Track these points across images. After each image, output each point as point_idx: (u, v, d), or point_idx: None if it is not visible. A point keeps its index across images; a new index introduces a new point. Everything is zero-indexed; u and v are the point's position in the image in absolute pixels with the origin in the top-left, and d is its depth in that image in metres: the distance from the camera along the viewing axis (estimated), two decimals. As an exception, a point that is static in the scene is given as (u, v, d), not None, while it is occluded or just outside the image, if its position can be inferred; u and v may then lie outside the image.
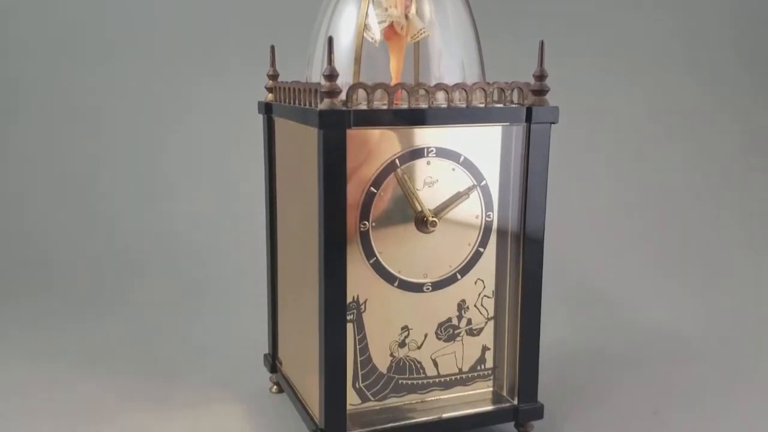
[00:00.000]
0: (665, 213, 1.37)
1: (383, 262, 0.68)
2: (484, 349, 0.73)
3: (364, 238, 0.67)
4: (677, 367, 0.92)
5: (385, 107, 0.64)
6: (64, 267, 1.23)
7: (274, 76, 0.79)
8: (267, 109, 0.79)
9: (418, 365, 0.71)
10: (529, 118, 0.67)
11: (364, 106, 0.63)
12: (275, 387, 0.85)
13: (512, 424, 0.74)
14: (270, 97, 0.79)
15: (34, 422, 0.77)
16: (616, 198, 1.36)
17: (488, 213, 0.70)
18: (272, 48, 0.79)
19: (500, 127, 0.69)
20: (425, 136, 0.66)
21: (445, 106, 0.66)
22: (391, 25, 0.69)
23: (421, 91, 0.65)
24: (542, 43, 0.67)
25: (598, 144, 1.39)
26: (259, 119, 0.81)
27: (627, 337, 1.02)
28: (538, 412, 0.73)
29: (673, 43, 1.42)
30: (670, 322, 1.07)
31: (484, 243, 0.70)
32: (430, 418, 0.70)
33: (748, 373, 0.90)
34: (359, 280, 0.67)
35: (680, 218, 1.36)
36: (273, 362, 0.83)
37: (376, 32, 0.68)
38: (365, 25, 0.67)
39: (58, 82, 1.31)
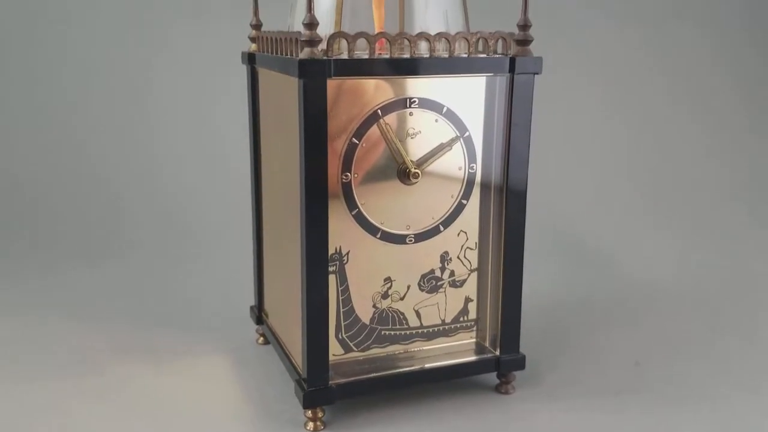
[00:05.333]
0: (651, 166, 1.36)
1: (365, 214, 0.67)
2: (467, 300, 0.73)
3: (347, 189, 0.66)
4: (660, 318, 0.93)
5: (366, 57, 0.63)
6: (48, 217, 1.23)
7: (257, 26, 0.78)
8: (250, 59, 0.78)
9: (401, 316, 0.71)
10: (512, 69, 0.67)
11: (345, 56, 0.63)
12: (261, 339, 0.85)
13: (495, 374, 0.75)
14: (253, 47, 0.78)
15: (22, 374, 0.78)
16: (602, 150, 1.36)
17: (471, 165, 0.70)
18: (255, -3, 0.78)
19: (484, 78, 0.68)
20: (408, 86, 0.66)
21: (427, 56, 0.65)
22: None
23: (404, 41, 0.64)
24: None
25: (585, 94, 1.38)
26: (244, 69, 0.80)
27: (610, 288, 1.03)
28: (519, 363, 0.74)
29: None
30: (654, 273, 1.08)
31: (467, 195, 0.70)
32: (413, 368, 0.71)
33: (730, 325, 0.91)
34: (342, 231, 0.67)
35: (667, 171, 1.36)
36: (259, 314, 0.84)
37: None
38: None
39: (40, 26, 1.29)
